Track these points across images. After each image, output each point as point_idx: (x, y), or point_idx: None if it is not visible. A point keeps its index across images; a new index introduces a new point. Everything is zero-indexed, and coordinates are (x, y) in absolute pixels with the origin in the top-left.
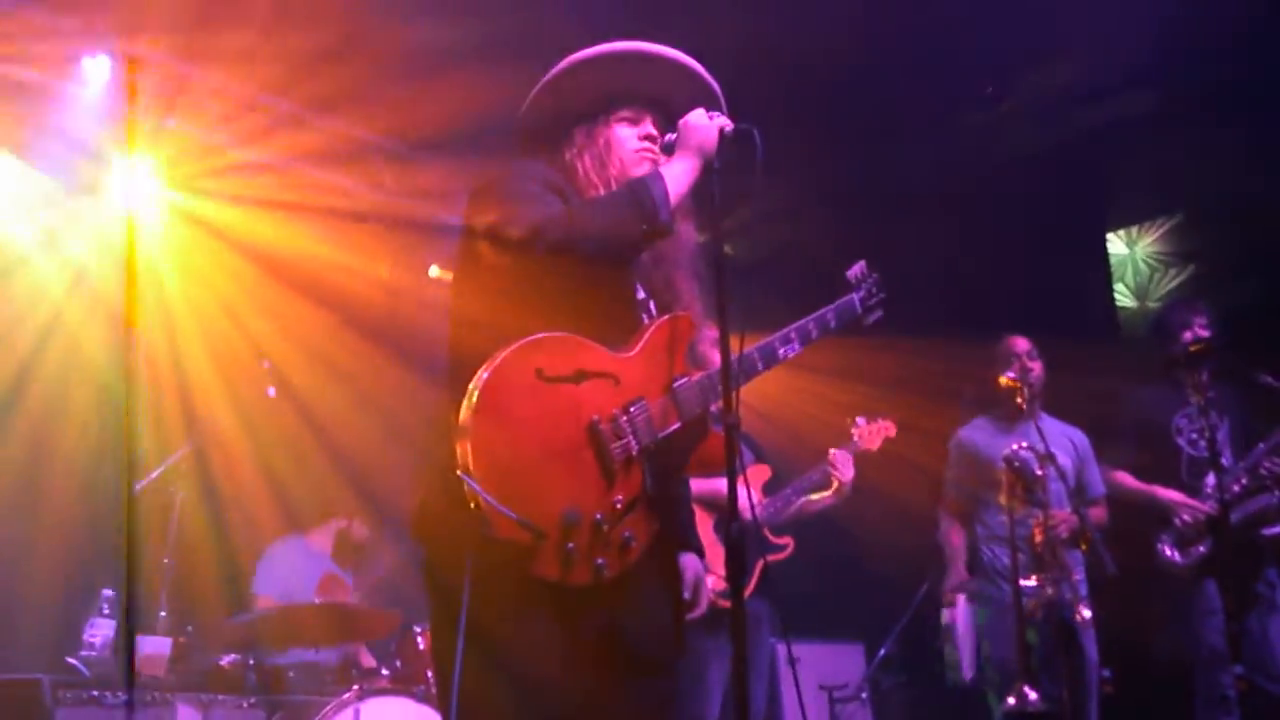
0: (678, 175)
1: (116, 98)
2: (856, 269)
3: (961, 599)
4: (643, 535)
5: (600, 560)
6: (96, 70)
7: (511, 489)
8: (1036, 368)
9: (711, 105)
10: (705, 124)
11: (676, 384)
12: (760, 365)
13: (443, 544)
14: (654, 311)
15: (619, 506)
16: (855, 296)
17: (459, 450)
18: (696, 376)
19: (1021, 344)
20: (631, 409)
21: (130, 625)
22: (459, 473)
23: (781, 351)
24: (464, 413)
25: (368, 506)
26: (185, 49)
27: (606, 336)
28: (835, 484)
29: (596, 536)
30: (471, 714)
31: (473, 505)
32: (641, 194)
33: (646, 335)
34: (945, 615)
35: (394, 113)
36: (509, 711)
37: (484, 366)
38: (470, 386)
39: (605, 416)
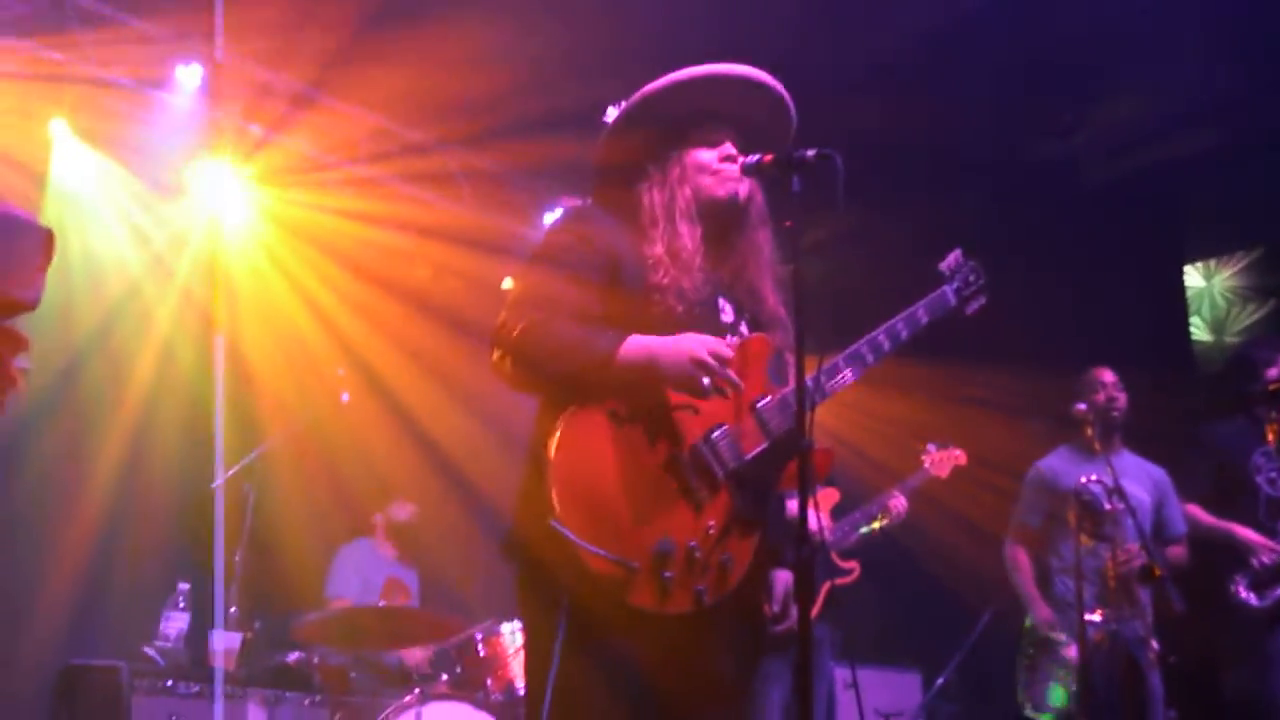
0: (636, 355)
1: (207, 104)
2: (951, 259)
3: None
4: (741, 557)
5: (700, 587)
6: (189, 77)
7: (600, 528)
8: (1121, 399)
9: (785, 119)
10: (683, 363)
11: (759, 404)
12: (850, 374)
13: (537, 571)
14: (744, 331)
15: (712, 532)
16: (948, 288)
17: (546, 497)
18: (780, 393)
19: (1107, 375)
20: (714, 435)
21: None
22: (549, 521)
23: (870, 357)
24: (546, 463)
25: (442, 509)
26: (274, 57)
27: None
28: (885, 518)
29: (692, 564)
30: None
31: (565, 549)
32: (603, 355)
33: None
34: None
35: (473, 127)
36: None
37: (560, 419)
38: (549, 441)
39: (686, 447)
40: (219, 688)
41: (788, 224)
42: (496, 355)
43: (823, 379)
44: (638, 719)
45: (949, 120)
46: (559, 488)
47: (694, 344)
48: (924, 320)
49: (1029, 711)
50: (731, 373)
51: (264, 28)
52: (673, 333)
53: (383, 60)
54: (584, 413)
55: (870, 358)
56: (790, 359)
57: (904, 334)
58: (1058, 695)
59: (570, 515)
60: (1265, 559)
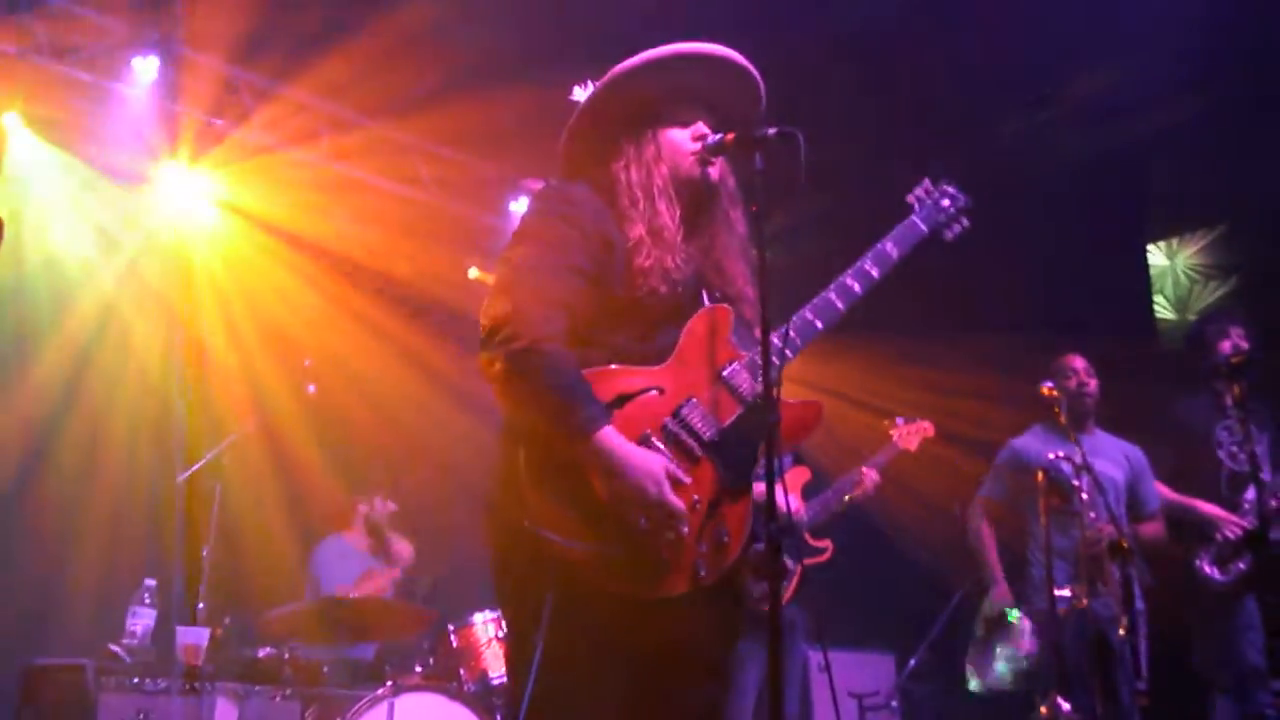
0: (614, 449)
1: (165, 97)
2: (919, 189)
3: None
4: (737, 530)
5: (697, 564)
6: (145, 70)
7: (582, 522)
8: (1092, 384)
9: (755, 98)
10: (644, 486)
11: (725, 372)
12: (819, 324)
13: (519, 566)
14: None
15: (699, 507)
16: (915, 217)
17: (521, 498)
18: (744, 358)
19: (1078, 362)
20: (682, 411)
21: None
22: (529, 526)
23: (840, 303)
24: (517, 464)
25: (427, 494)
26: (232, 52)
27: (668, 350)
28: (859, 490)
29: (686, 544)
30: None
31: (546, 548)
32: (583, 426)
33: (681, 338)
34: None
35: (436, 113)
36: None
37: (514, 427)
38: (519, 442)
39: (655, 428)
40: (175, 683)
41: (754, 208)
42: (485, 355)
43: (791, 333)
44: (624, 707)
45: (916, 96)
46: (533, 488)
47: (655, 480)
48: (894, 254)
49: (974, 683)
50: (673, 532)
51: (220, 19)
52: (661, 315)
53: (341, 49)
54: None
55: (840, 304)
56: (754, 324)
57: (875, 273)
58: (1003, 671)
59: (547, 515)
60: (1228, 533)
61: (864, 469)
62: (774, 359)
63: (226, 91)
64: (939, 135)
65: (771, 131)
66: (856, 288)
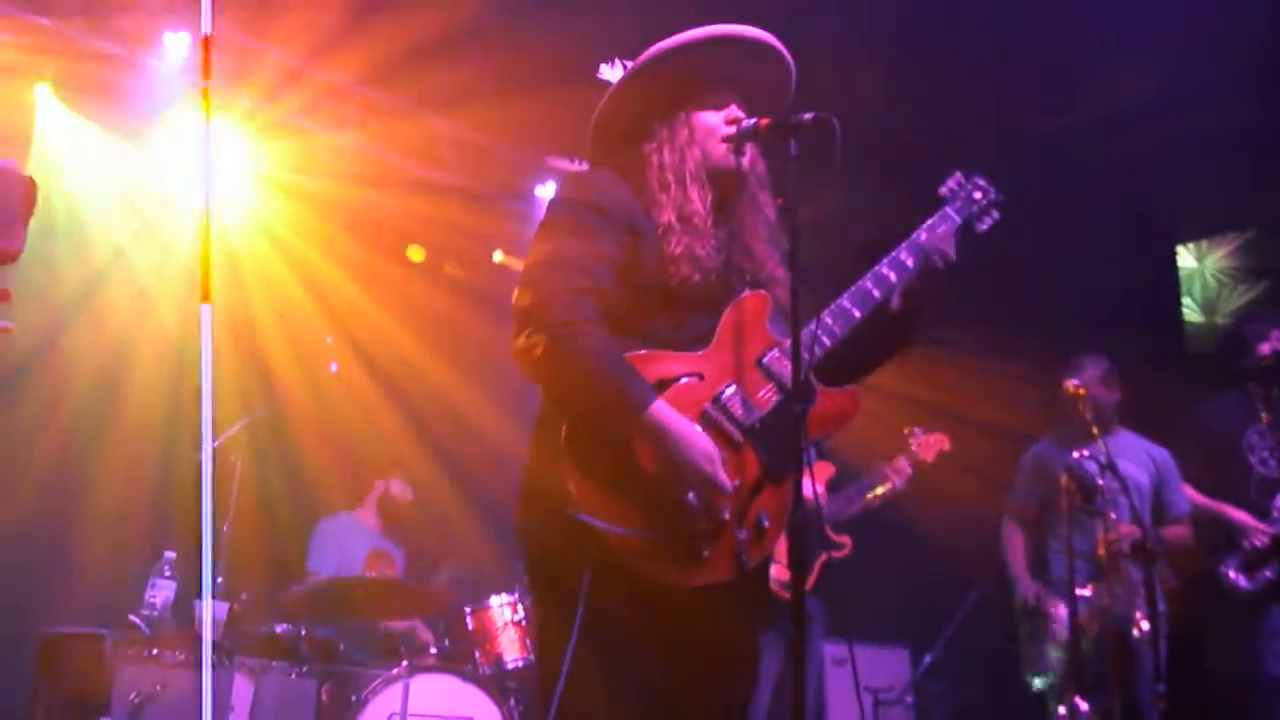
0: (668, 422)
1: (195, 73)
2: (952, 181)
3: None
4: (776, 515)
5: (740, 550)
6: (176, 46)
7: (625, 508)
8: (1115, 389)
9: (787, 85)
10: (693, 463)
11: (765, 359)
12: (857, 312)
13: (554, 551)
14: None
15: (742, 494)
16: (949, 208)
17: (561, 485)
18: (784, 344)
19: (1097, 363)
20: (723, 397)
21: (203, 588)
22: (569, 513)
23: (877, 291)
24: (559, 450)
25: (433, 480)
26: (264, 29)
27: (703, 336)
28: (890, 484)
29: (725, 529)
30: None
31: (585, 534)
32: (637, 400)
33: (720, 325)
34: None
35: (465, 98)
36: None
37: (549, 411)
38: (560, 427)
39: (695, 414)
40: (196, 656)
41: (779, 201)
42: (524, 340)
43: (829, 319)
44: (656, 694)
45: (945, 97)
46: (575, 475)
47: (709, 457)
48: (927, 245)
49: (1033, 679)
50: (720, 510)
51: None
52: (694, 302)
53: (370, 29)
54: None
55: (877, 292)
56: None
57: (910, 262)
58: (1055, 656)
59: (591, 501)
60: (1256, 541)
61: (887, 469)
62: (813, 348)
63: (257, 69)
64: (972, 132)
65: (808, 117)
66: (892, 276)
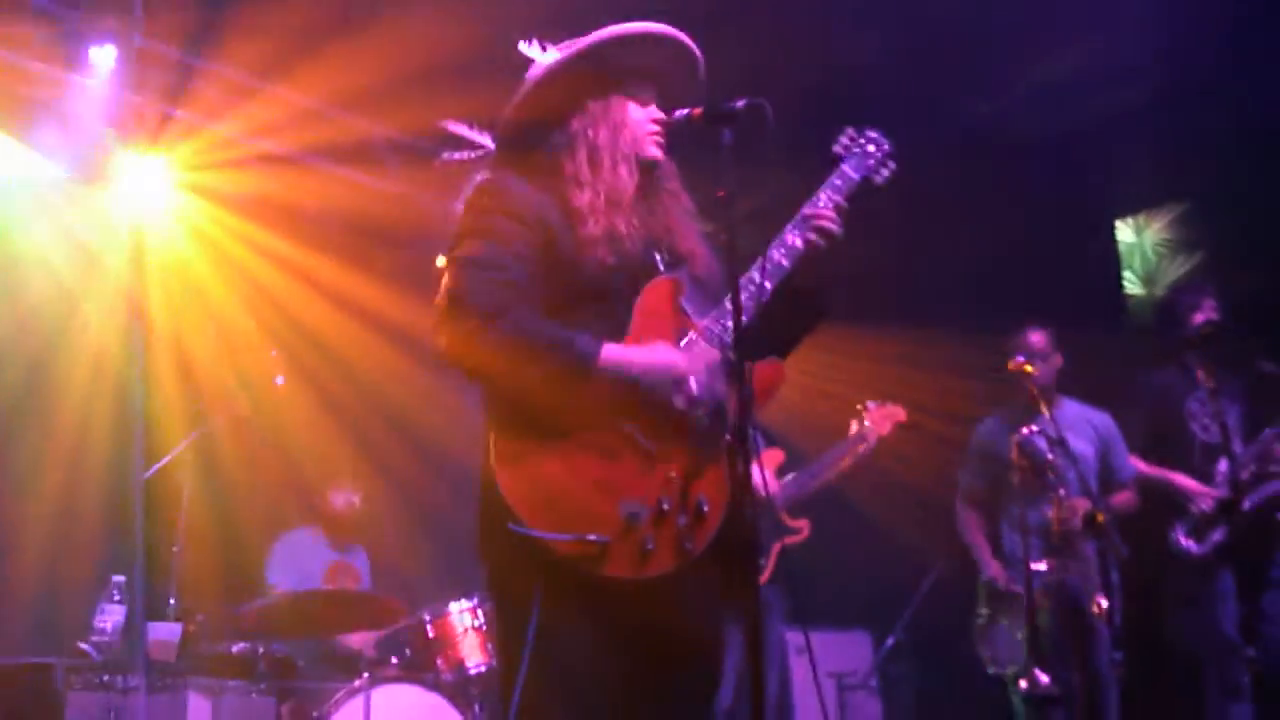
0: (624, 357)
1: (123, 87)
2: (844, 138)
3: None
4: (716, 496)
5: (682, 538)
6: (103, 60)
7: (560, 514)
8: (1056, 359)
9: (699, 86)
10: (676, 383)
11: (681, 344)
12: (768, 284)
13: (505, 564)
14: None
15: (675, 480)
16: (845, 166)
17: (499, 500)
18: (699, 326)
19: (1039, 336)
20: None
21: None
22: (510, 526)
23: (786, 262)
24: (490, 466)
25: (385, 491)
26: (192, 40)
27: (623, 324)
28: (850, 456)
29: (665, 518)
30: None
31: (530, 545)
32: (584, 353)
33: (634, 314)
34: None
35: (401, 106)
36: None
37: (491, 417)
38: (489, 444)
39: None
40: (147, 680)
41: (720, 194)
42: (449, 338)
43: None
44: (621, 695)
45: (878, 77)
46: (509, 488)
47: (675, 370)
48: (827, 204)
49: (992, 669)
50: (712, 395)
51: (180, 7)
52: (614, 289)
53: (304, 38)
54: (508, 414)
55: (786, 262)
56: (707, 282)
57: (811, 231)
58: (1018, 646)
59: (527, 511)
60: (1204, 505)
61: (848, 440)
62: (728, 327)
63: (188, 81)
64: (899, 122)
65: (740, 104)
66: (799, 240)
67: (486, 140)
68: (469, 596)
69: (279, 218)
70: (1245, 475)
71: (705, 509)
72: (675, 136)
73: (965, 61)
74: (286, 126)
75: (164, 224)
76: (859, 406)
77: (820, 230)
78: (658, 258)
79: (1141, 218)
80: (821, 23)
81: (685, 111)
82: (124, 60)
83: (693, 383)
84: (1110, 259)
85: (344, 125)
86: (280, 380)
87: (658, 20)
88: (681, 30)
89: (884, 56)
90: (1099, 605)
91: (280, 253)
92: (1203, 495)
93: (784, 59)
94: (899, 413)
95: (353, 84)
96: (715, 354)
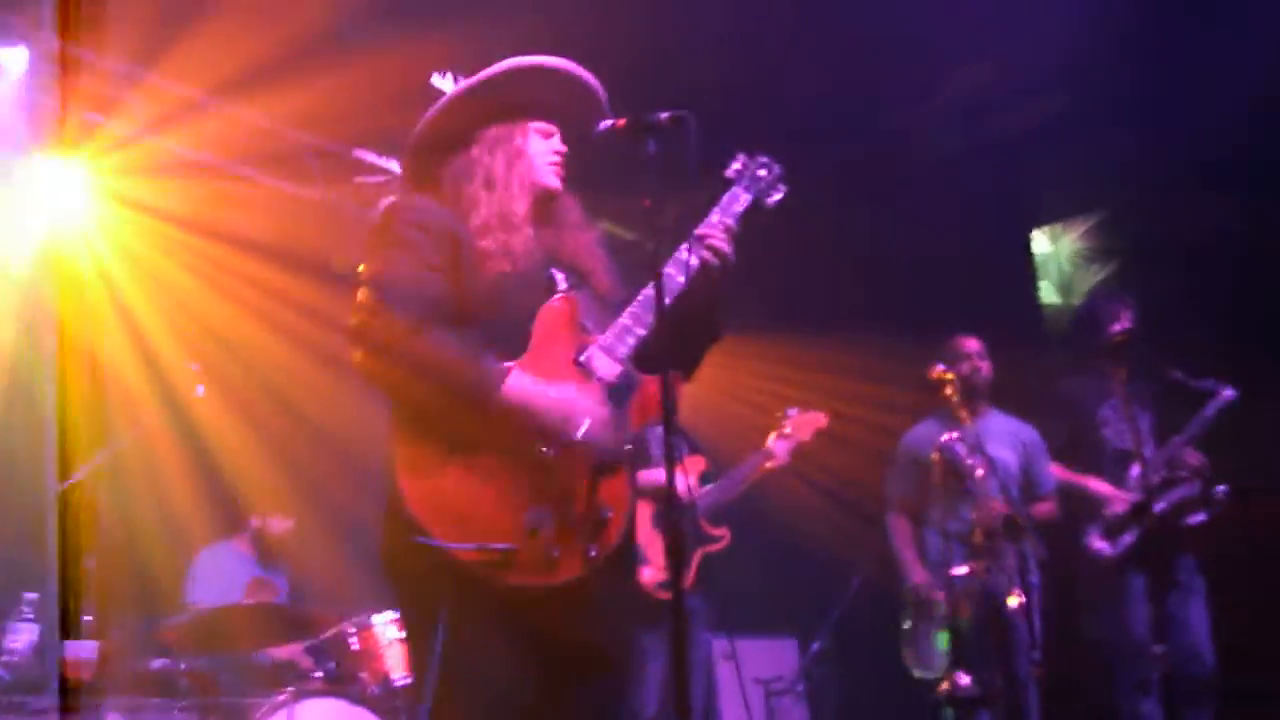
0: (526, 393)
1: (36, 91)
2: (736, 163)
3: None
4: (619, 504)
5: (585, 545)
6: (14, 62)
7: (465, 524)
8: (984, 367)
9: (598, 120)
10: (570, 422)
11: (581, 358)
12: (666, 299)
13: (412, 576)
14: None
15: (578, 489)
16: (738, 188)
17: (403, 513)
18: (596, 342)
19: (971, 344)
20: None
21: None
22: (415, 538)
23: (679, 277)
24: (395, 480)
25: (306, 503)
26: (110, 45)
27: (526, 339)
28: (768, 465)
29: (569, 525)
30: None
31: (435, 557)
32: (488, 386)
33: (534, 329)
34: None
35: (328, 110)
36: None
37: (396, 429)
38: (394, 459)
39: None
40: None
41: (646, 203)
42: (363, 353)
43: (637, 310)
44: (532, 700)
45: (796, 89)
46: (414, 500)
47: (572, 414)
48: (720, 223)
49: (918, 672)
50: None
51: (93, 6)
52: (514, 306)
53: (220, 38)
54: (408, 431)
55: (682, 278)
56: (606, 295)
57: (705, 248)
58: (942, 649)
59: (432, 523)
60: (1117, 508)
61: (767, 447)
62: (626, 338)
63: (103, 84)
64: (818, 131)
65: (664, 116)
66: (693, 260)
67: (394, 166)
68: (393, 608)
69: (200, 227)
70: (1156, 480)
71: (608, 515)
72: (600, 148)
73: (883, 73)
74: (208, 130)
75: (81, 232)
76: (779, 414)
77: (712, 249)
78: (557, 276)
79: (1057, 227)
80: (746, 34)
81: (610, 122)
82: (35, 63)
83: (589, 425)
84: (1027, 268)
85: (271, 133)
86: (201, 391)
87: (566, 50)
88: (601, 46)
89: (804, 68)
90: (1014, 602)
91: (204, 260)
92: (1116, 499)
93: (708, 71)
94: (820, 419)
95: (281, 91)
96: (610, 409)
